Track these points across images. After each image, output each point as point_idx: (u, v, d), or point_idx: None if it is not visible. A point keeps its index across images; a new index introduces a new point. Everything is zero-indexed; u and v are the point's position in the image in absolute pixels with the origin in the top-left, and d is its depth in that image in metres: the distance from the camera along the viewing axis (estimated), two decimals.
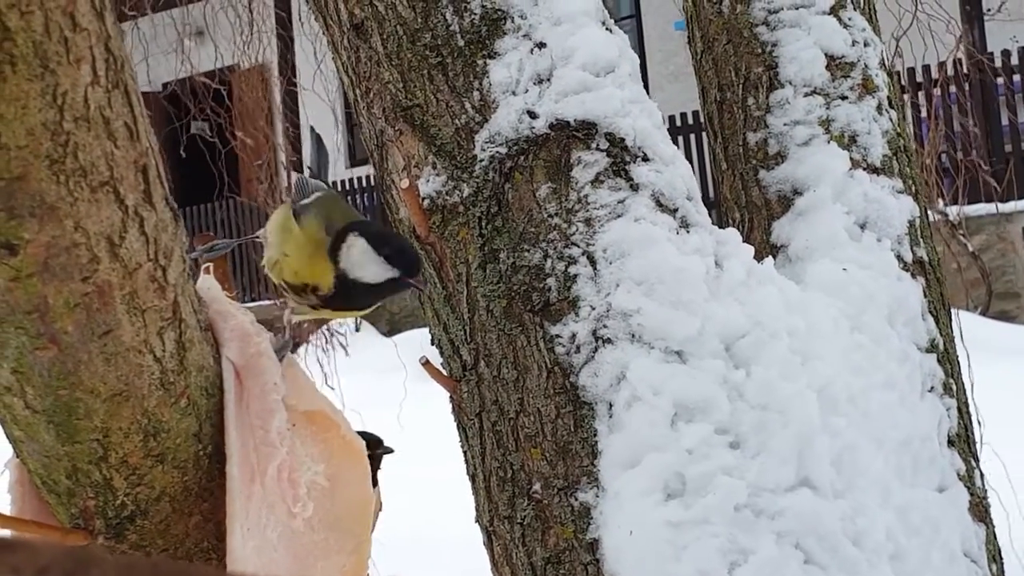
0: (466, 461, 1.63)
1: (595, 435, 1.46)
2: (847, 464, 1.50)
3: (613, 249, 1.50)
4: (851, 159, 1.82)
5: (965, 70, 8.12)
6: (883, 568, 1.48)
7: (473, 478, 1.61)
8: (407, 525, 4.37)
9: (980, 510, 1.75)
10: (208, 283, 1.24)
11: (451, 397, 1.61)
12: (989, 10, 8.75)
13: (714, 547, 1.38)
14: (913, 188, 1.87)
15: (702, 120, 2.06)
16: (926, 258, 1.84)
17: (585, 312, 1.49)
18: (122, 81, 1.00)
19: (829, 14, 1.89)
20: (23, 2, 0.89)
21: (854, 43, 1.89)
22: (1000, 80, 8.32)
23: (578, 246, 1.50)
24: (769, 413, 1.45)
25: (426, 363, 1.59)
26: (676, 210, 1.56)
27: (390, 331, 10.12)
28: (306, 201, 1.33)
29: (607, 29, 1.63)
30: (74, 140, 0.96)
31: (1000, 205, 7.74)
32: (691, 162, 2.72)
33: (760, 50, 1.89)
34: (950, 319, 1.87)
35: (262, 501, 1.19)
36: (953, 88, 8.17)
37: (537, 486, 1.50)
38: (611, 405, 1.46)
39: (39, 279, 0.98)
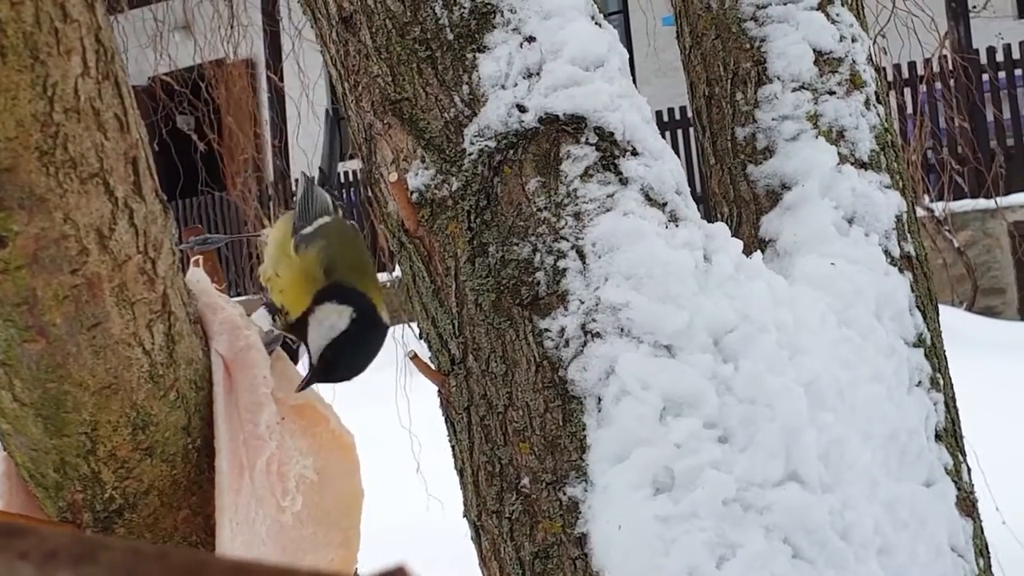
0: (454, 456, 1.62)
1: (584, 429, 1.46)
2: (835, 458, 1.51)
3: (602, 243, 1.50)
4: (839, 154, 1.82)
5: (951, 67, 8.15)
6: (870, 562, 1.49)
7: (461, 472, 1.61)
8: (399, 517, 4.37)
9: (967, 505, 1.76)
10: (197, 276, 1.24)
11: (439, 391, 1.61)
12: (975, 7, 8.80)
13: (702, 541, 1.39)
14: (900, 183, 1.88)
15: (690, 115, 2.06)
16: (913, 253, 1.85)
17: (574, 306, 1.49)
18: (112, 72, 1.00)
19: (817, 10, 1.89)
20: None
21: (842, 39, 1.89)
22: (986, 77, 8.36)
23: (567, 240, 1.50)
24: (757, 407, 1.46)
25: (414, 357, 1.59)
26: (665, 204, 1.56)
27: None
28: (310, 230, 1.29)
29: (596, 24, 1.63)
30: (64, 131, 0.95)
31: (985, 201, 7.76)
32: (679, 157, 2.73)
33: (748, 45, 1.89)
34: (937, 314, 1.88)
35: (251, 495, 1.18)
36: (939, 85, 8.20)
37: (525, 480, 1.50)
38: (600, 399, 1.46)
39: (28, 271, 0.97)
